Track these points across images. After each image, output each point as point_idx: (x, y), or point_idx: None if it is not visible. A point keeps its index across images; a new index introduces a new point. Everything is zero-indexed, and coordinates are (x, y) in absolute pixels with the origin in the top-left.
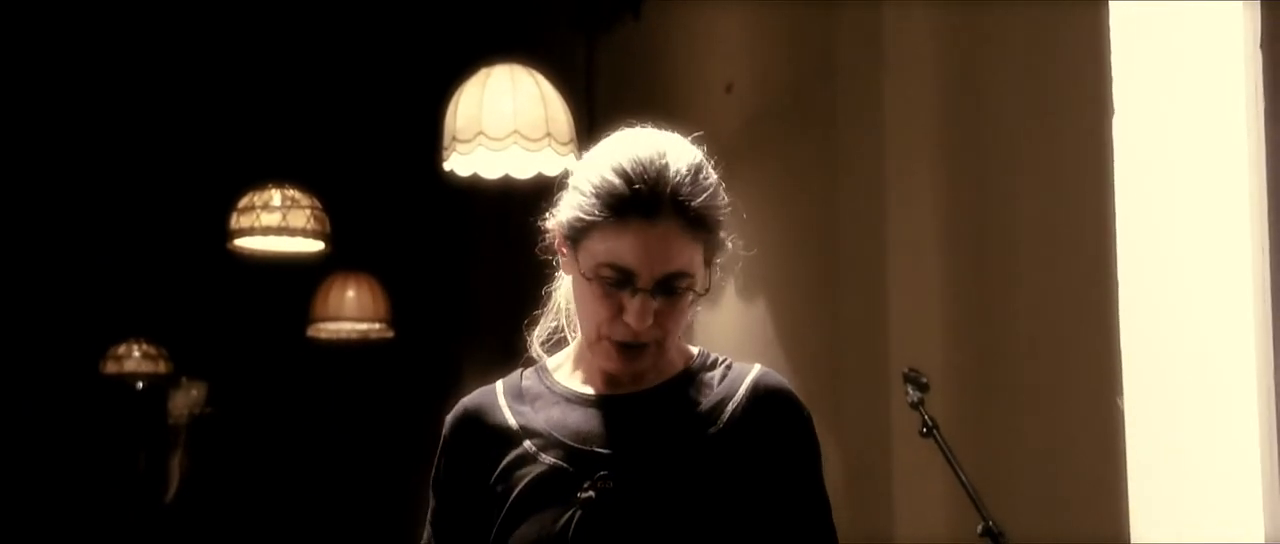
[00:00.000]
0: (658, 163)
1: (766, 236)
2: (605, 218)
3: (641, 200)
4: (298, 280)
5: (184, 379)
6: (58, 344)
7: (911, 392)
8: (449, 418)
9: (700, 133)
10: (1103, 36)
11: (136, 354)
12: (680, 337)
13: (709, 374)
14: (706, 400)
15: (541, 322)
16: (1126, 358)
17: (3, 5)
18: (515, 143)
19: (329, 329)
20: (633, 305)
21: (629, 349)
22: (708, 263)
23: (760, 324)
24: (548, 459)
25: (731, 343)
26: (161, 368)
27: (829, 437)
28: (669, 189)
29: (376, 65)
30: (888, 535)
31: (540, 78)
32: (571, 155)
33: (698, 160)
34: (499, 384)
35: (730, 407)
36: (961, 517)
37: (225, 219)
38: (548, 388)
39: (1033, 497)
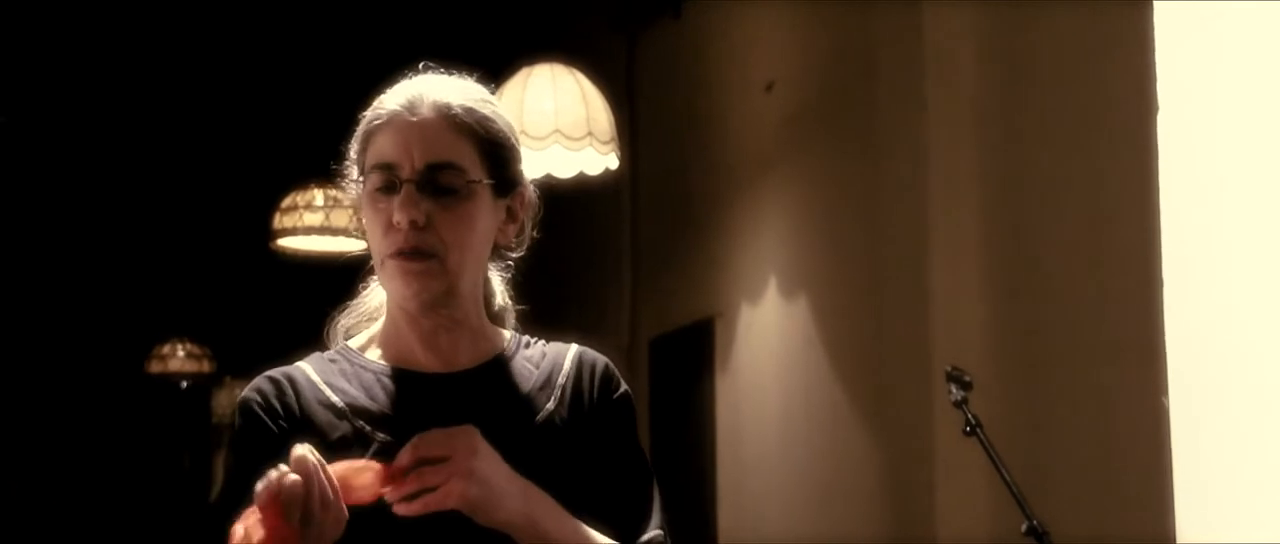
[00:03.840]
0: (422, 78)
1: (807, 235)
2: (372, 126)
3: (404, 102)
4: (340, 280)
5: (227, 378)
6: (103, 344)
7: (954, 390)
8: (251, 390)
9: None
10: (1147, 34)
11: (181, 354)
12: (497, 307)
13: (526, 352)
14: (532, 380)
15: (348, 313)
16: (1171, 356)
17: (51, 12)
18: (556, 142)
19: None
20: (398, 199)
21: (409, 260)
22: (496, 187)
23: (802, 322)
24: (381, 438)
25: (773, 341)
26: (205, 367)
27: (871, 435)
28: (431, 91)
29: (418, 64)
30: (930, 534)
31: (581, 77)
32: (612, 154)
33: (472, 83)
34: (304, 364)
35: (559, 380)
36: (1005, 516)
37: (268, 219)
38: (362, 366)
39: (1077, 496)
